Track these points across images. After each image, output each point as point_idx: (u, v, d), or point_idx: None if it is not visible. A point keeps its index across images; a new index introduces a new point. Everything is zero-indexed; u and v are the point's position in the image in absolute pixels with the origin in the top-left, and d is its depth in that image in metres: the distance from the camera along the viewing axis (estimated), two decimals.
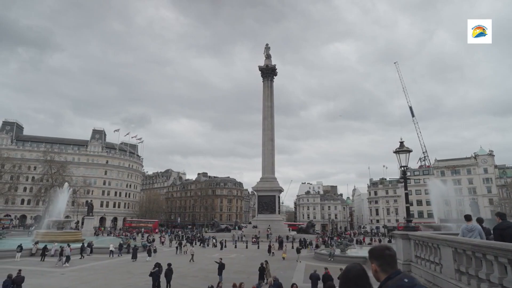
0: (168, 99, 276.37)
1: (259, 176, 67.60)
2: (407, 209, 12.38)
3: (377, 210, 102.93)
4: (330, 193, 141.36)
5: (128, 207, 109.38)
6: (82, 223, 78.00)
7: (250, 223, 70.87)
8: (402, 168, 12.38)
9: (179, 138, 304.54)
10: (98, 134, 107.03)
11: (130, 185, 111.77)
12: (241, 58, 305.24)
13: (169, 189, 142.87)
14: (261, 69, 72.39)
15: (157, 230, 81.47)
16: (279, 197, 65.29)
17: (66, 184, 54.32)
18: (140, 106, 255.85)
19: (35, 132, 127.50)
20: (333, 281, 17.18)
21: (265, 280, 19.81)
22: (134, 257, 29.29)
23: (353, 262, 2.42)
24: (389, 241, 53.75)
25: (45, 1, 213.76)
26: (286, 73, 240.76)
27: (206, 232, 65.79)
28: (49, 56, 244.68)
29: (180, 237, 55.01)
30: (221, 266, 20.69)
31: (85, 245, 31.57)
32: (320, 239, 51.44)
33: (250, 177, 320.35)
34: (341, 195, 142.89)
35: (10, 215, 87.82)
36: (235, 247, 44.57)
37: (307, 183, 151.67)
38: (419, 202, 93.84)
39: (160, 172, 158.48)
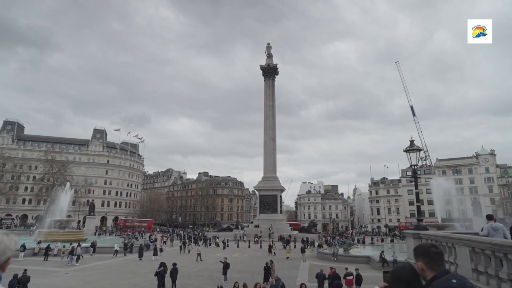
0: (168, 98, 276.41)
1: (259, 175, 67.68)
2: (418, 208, 12.30)
3: (378, 210, 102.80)
4: (331, 192, 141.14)
5: (129, 207, 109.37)
6: (84, 223, 78.08)
7: (251, 222, 70.92)
8: (413, 167, 12.26)
9: (179, 137, 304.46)
10: (99, 134, 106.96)
11: (131, 185, 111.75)
12: (241, 57, 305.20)
13: (170, 189, 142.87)
14: (262, 68, 72.26)
15: (151, 230, 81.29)
16: (280, 196, 65.26)
17: (68, 183, 54.33)
18: (140, 105, 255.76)
19: (36, 131, 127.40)
20: (340, 280, 17.17)
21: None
22: (141, 256, 29.35)
23: (402, 262, 2.35)
24: (392, 241, 53.70)
25: (45, 0, 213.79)
26: (286, 73, 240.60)
27: (208, 231, 65.78)
28: (49, 55, 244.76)
29: (183, 237, 54.98)
30: (226, 266, 20.65)
31: (89, 245, 31.55)
32: (323, 238, 51.38)
33: (250, 177, 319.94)
34: (341, 194, 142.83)
35: (11, 215, 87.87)
36: (238, 246, 44.52)
37: (308, 183, 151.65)
38: (421, 202, 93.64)
39: (161, 171, 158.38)
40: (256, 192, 68.94)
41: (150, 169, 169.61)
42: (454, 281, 2.07)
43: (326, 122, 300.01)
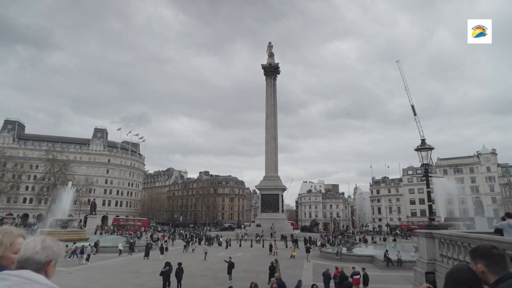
0: (167, 97, 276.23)
1: (259, 174, 67.92)
2: (430, 207, 12.21)
3: (379, 209, 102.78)
4: (332, 191, 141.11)
5: (130, 206, 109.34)
6: (84, 222, 78.01)
7: (253, 221, 70.82)
8: (424, 166, 12.14)
9: (179, 137, 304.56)
10: (100, 133, 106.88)
11: (132, 184, 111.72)
12: (240, 56, 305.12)
13: (171, 188, 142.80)
14: (264, 67, 72.09)
15: (146, 229, 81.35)
16: (282, 195, 65.15)
17: (70, 183, 54.25)
18: (140, 104, 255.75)
19: (36, 131, 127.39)
20: (347, 279, 17.08)
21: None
22: (147, 255, 29.40)
23: (459, 264, 2.24)
24: (394, 240, 53.62)
25: None
26: (286, 72, 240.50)
27: (210, 230, 65.74)
28: (48, 55, 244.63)
29: (186, 236, 54.95)
30: (231, 265, 20.55)
31: (92, 244, 31.48)
32: (326, 237, 51.30)
33: (250, 176, 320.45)
34: (342, 193, 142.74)
35: (12, 214, 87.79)
36: (240, 245, 44.47)
37: (309, 182, 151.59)
38: (422, 201, 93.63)
39: (162, 170, 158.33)
40: (258, 191, 68.79)
41: (150, 169, 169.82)
42: None
43: (326, 121, 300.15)
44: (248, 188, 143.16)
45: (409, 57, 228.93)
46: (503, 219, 7.94)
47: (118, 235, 59.84)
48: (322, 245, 39.82)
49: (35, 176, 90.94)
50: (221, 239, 45.96)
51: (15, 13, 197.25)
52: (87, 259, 26.22)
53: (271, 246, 35.91)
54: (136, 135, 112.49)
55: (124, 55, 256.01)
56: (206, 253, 29.66)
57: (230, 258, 21.47)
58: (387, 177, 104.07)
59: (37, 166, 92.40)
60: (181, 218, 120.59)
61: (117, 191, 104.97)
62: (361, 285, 17.11)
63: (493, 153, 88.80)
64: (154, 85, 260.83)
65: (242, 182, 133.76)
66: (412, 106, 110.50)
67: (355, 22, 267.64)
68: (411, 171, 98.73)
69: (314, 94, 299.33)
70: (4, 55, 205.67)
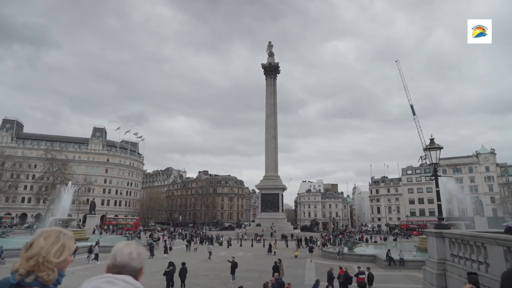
0: (166, 97, 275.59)
1: (258, 174, 68.17)
2: (439, 206, 12.16)
3: (378, 208, 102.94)
4: (331, 191, 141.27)
5: (129, 206, 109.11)
6: (83, 222, 77.78)
7: (253, 221, 70.81)
8: (433, 165, 12.11)
9: (178, 136, 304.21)
10: (99, 132, 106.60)
11: (131, 183, 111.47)
12: (239, 55, 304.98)
13: (170, 187, 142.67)
14: (264, 66, 72.04)
15: (138, 228, 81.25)
16: (282, 195, 65.14)
17: (70, 182, 54.05)
18: (138, 104, 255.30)
19: (33, 130, 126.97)
20: (351, 280, 17.07)
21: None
22: (152, 254, 29.45)
23: None
24: (395, 239, 53.73)
25: None
26: (284, 71, 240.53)
27: (210, 230, 65.68)
28: (46, 53, 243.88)
29: (186, 236, 54.88)
30: (234, 265, 20.49)
31: (93, 244, 31.37)
32: (326, 237, 51.32)
33: (249, 175, 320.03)
34: (341, 193, 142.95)
35: (10, 213, 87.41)
36: (241, 245, 44.44)
37: (308, 181, 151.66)
38: (421, 201, 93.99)
39: (161, 170, 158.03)
40: (258, 190, 68.79)
41: (149, 168, 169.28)
42: None
43: (325, 120, 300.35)
44: (247, 188, 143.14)
45: (407, 57, 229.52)
46: None
47: (118, 235, 59.73)
48: (323, 244, 39.80)
49: (33, 176, 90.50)
50: (221, 239, 45.89)
51: (12, 11, 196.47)
52: (96, 258, 26.17)
53: (270, 246, 35.80)
54: (135, 134, 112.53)
55: (122, 54, 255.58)
56: (210, 252, 29.75)
57: (233, 258, 21.42)
58: (386, 177, 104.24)
59: (35, 166, 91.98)
60: (180, 217, 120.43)
61: (116, 191, 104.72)
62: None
63: (492, 153, 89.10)
64: (152, 84, 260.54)
65: (241, 182, 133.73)
66: (411, 106, 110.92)
67: (353, 21, 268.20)
68: (410, 170, 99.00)
69: (313, 93, 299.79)
70: (1, 54, 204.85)
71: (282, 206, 65.84)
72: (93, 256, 26.48)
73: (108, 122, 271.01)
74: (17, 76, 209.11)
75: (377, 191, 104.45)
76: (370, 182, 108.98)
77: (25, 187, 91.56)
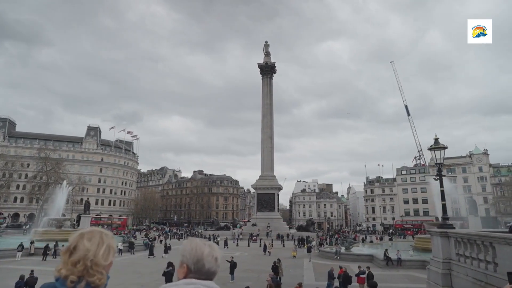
0: (160, 96, 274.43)
1: (253, 174, 68.57)
2: (444, 206, 12.19)
3: (373, 208, 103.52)
4: (326, 191, 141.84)
5: (123, 205, 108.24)
6: (77, 221, 76.94)
7: (248, 221, 70.72)
8: (438, 165, 12.14)
9: (172, 135, 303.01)
10: (93, 131, 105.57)
11: (125, 183, 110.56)
12: (233, 55, 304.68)
13: (164, 187, 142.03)
14: (260, 66, 72.04)
15: (125, 228, 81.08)
16: (278, 195, 65.17)
17: (64, 182, 53.47)
18: (132, 103, 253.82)
19: (26, 128, 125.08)
20: (350, 279, 17.10)
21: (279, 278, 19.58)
22: (151, 254, 29.27)
23: None
24: (390, 239, 54.04)
25: None
26: (279, 71, 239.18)
27: (205, 230, 65.43)
28: (38, 51, 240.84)
29: (182, 236, 54.61)
30: (233, 265, 20.38)
31: None
32: (322, 237, 51.42)
33: (243, 175, 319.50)
34: (336, 193, 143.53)
35: (2, 213, 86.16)
36: (237, 245, 44.34)
37: (303, 181, 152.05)
38: (415, 201, 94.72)
39: (155, 169, 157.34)
40: (253, 190, 68.75)
41: (143, 167, 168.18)
42: None
43: (319, 120, 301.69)
44: (242, 188, 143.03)
45: (401, 58, 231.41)
46: None
47: (113, 235, 59.11)
48: (320, 244, 39.87)
49: (26, 175, 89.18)
50: (218, 239, 45.73)
51: (4, 8, 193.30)
52: None
53: (265, 246, 35.66)
54: (129, 133, 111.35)
55: (116, 53, 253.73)
56: None
57: (232, 258, 21.31)
58: (381, 177, 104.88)
59: (28, 165, 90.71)
60: (175, 217, 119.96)
61: (111, 190, 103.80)
62: (365, 284, 17.10)
63: (485, 153, 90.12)
64: (146, 83, 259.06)
65: (236, 181, 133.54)
66: (406, 107, 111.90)
67: (347, 22, 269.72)
68: (405, 171, 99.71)
69: (307, 93, 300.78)
70: None
71: (278, 206, 65.85)
72: None
73: (102, 121, 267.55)
74: (8, 74, 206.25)
75: (372, 191, 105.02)
76: (365, 182, 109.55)
77: (18, 187, 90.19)
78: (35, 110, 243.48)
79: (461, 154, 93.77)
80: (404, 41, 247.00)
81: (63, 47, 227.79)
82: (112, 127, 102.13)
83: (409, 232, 70.39)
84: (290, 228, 69.56)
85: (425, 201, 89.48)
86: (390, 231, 76.61)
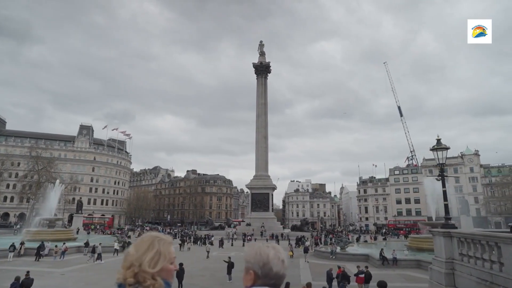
0: (152, 95, 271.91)
1: (246, 173, 68.73)
2: (446, 206, 12.28)
3: (366, 208, 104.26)
4: (319, 191, 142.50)
5: (116, 205, 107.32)
6: (69, 221, 76.01)
7: (243, 221, 70.62)
8: (440, 166, 12.23)
9: (164, 134, 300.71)
10: (86, 130, 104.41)
11: (118, 182, 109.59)
12: (227, 54, 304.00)
13: (157, 187, 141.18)
14: (255, 66, 71.95)
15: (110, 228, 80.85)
16: (272, 195, 65.22)
17: (57, 181, 52.72)
18: (124, 101, 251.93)
19: (17, 127, 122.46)
20: (349, 279, 17.15)
21: None
22: None
23: None
24: (384, 239, 54.46)
25: None
26: (273, 71, 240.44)
27: (200, 230, 65.15)
28: (28, 48, 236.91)
29: (176, 235, 54.31)
30: (231, 265, 20.31)
31: (82, 244, 30.68)
32: (317, 237, 51.58)
33: (236, 175, 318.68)
34: (329, 193, 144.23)
35: None
36: (232, 245, 44.25)
37: (296, 181, 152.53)
38: (407, 201, 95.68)
39: (148, 169, 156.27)
40: (247, 190, 68.73)
41: (136, 167, 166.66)
42: None
43: (311, 120, 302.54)
44: (236, 187, 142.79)
45: (393, 59, 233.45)
46: None
47: (106, 234, 58.62)
48: (316, 244, 39.97)
49: (17, 174, 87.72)
50: (212, 239, 45.56)
51: None
52: (99, 258, 25.96)
53: None
54: (122, 132, 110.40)
55: (108, 51, 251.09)
56: (208, 251, 29.75)
57: (230, 258, 21.22)
58: (374, 177, 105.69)
59: (19, 164, 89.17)
60: (168, 217, 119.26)
61: (103, 190, 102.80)
62: (363, 284, 17.19)
63: (476, 154, 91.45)
64: (138, 82, 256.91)
65: (229, 181, 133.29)
66: (399, 107, 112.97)
67: (340, 22, 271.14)
68: (398, 171, 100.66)
69: (300, 93, 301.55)
70: None
71: (272, 205, 65.90)
72: (96, 255, 26.13)
73: (94, 119, 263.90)
74: None
75: (365, 191, 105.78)
76: (358, 182, 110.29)
77: (8, 186, 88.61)
78: (25, 108, 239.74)
79: (453, 155, 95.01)
80: (396, 42, 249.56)
81: (54, 44, 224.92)
82: (104, 127, 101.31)
83: (401, 232, 71.13)
84: (284, 227, 69.71)
85: (417, 201, 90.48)
86: (383, 231, 77.33)
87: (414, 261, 25.47)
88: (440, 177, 12.21)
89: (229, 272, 20.15)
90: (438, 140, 12.32)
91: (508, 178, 78.15)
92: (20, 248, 29.25)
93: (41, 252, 27.92)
